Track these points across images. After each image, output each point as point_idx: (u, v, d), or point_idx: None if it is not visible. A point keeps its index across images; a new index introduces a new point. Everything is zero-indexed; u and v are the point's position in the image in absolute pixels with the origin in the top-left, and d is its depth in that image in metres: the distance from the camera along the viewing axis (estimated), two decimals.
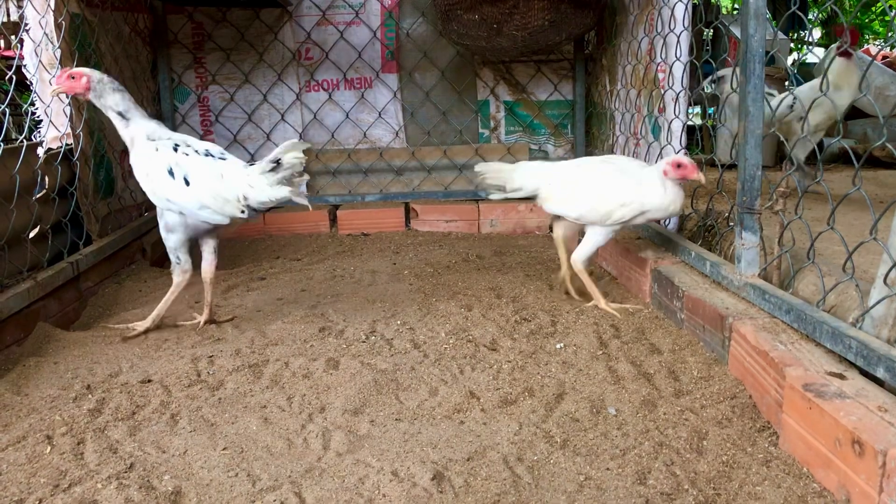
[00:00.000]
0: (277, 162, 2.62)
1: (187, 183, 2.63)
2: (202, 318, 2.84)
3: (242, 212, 2.65)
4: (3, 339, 2.57)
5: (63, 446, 1.92)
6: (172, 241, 2.74)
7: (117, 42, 3.97)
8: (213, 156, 2.73)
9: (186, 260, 2.78)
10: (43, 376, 2.38)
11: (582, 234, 3.00)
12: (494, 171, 3.04)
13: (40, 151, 3.18)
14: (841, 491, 1.59)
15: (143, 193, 4.13)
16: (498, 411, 2.09)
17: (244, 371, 2.39)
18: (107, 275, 3.47)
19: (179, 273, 2.78)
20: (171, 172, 2.64)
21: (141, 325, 2.78)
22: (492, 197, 3.09)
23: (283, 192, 2.61)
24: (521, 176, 3.01)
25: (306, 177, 2.70)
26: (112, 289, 3.37)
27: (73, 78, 2.64)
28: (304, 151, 2.66)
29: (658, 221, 3.18)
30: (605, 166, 2.97)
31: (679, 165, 2.72)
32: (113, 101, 2.68)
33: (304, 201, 2.71)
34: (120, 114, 2.69)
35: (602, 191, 2.86)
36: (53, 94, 2.75)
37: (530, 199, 3.06)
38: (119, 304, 3.16)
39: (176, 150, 2.68)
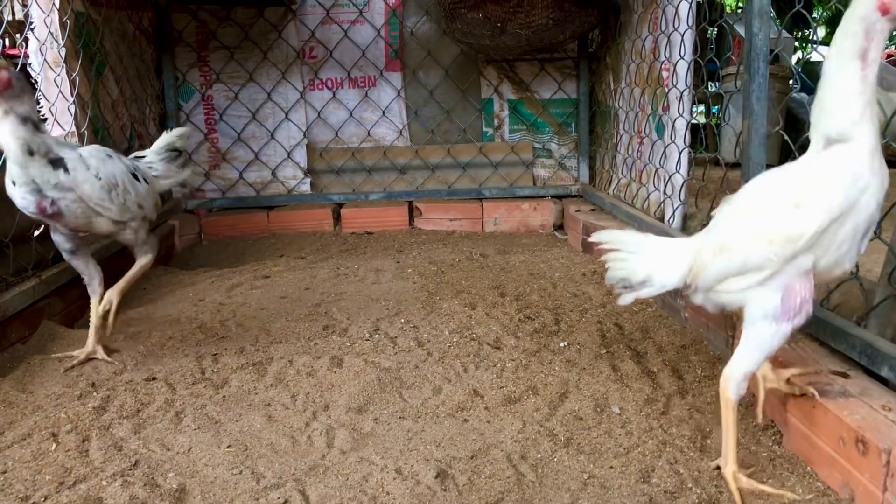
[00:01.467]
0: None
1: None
2: (83, 353, 2.49)
3: None
4: (9, 337, 2.58)
5: (68, 444, 1.93)
6: (142, 236, 2.57)
7: (122, 40, 3.98)
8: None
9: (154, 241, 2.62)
10: (48, 374, 2.38)
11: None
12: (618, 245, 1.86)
13: None
14: (845, 490, 1.59)
15: None
16: (502, 409, 2.09)
17: (248, 369, 2.40)
18: (111, 273, 3.47)
19: (148, 256, 2.60)
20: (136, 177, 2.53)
21: (82, 353, 2.49)
22: (620, 301, 1.85)
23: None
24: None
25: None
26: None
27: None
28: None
29: None
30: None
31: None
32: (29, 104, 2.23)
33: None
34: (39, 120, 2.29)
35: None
36: None
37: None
38: (123, 303, 3.16)
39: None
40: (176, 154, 2.72)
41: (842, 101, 1.52)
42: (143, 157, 2.68)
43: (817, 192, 1.51)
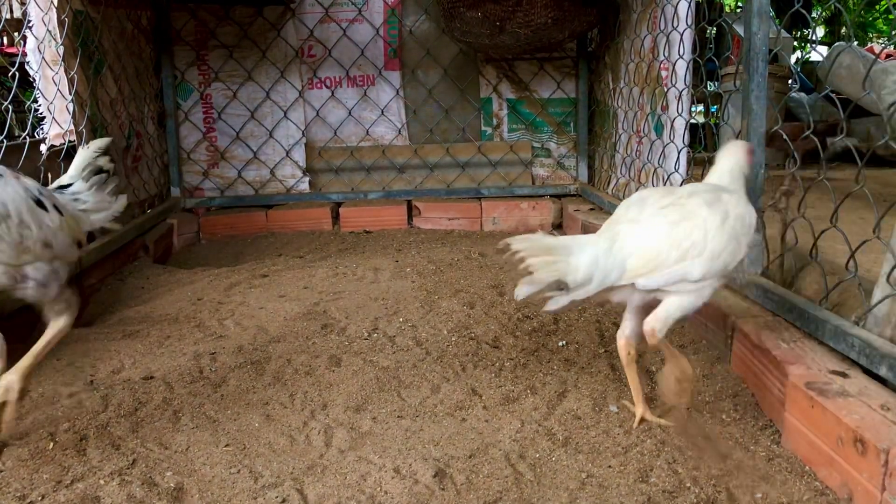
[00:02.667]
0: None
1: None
2: None
3: None
4: (6, 336, 2.57)
5: (66, 443, 1.92)
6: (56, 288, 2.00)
7: (120, 39, 3.97)
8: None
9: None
10: (45, 372, 2.38)
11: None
12: (540, 251, 1.84)
13: (43, 148, 3.18)
14: (843, 489, 1.59)
15: (147, 190, 4.19)
16: (500, 409, 2.09)
17: (246, 368, 2.40)
18: (110, 272, 3.47)
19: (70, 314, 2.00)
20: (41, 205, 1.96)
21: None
22: (548, 307, 1.86)
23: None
24: (588, 259, 1.83)
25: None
26: (115, 286, 3.38)
27: None
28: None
29: None
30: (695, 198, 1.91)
31: (752, 152, 2.12)
32: None
33: None
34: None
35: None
36: None
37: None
38: (121, 301, 3.17)
39: None
40: (104, 177, 2.12)
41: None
42: (69, 185, 2.10)
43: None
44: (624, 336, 1.97)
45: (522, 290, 1.83)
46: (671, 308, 1.86)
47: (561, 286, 1.82)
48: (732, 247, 1.83)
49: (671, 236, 1.82)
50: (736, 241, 1.84)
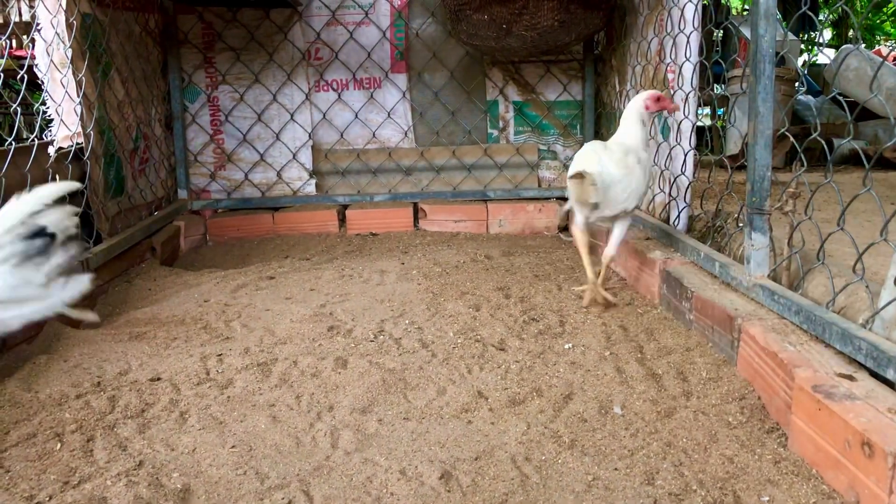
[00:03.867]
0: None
1: None
2: None
3: None
4: (14, 337, 2.59)
5: (73, 443, 1.93)
6: None
7: (128, 42, 3.99)
8: None
9: None
10: (53, 374, 2.39)
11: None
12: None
13: (51, 150, 3.20)
14: (850, 493, 1.59)
15: (154, 193, 4.20)
16: (506, 411, 2.09)
17: (253, 370, 2.40)
18: (117, 273, 3.49)
19: None
20: None
21: None
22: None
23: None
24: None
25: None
26: (122, 287, 3.39)
27: None
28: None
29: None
30: (604, 153, 2.88)
31: (658, 99, 2.90)
32: None
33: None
34: None
35: (634, 169, 2.83)
36: None
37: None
38: (129, 303, 3.18)
39: None
40: (41, 244, 1.42)
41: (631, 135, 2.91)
42: None
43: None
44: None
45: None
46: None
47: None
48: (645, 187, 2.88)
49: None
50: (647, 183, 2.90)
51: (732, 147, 5.68)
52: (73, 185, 1.60)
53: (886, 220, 1.82)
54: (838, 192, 2.06)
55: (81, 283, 1.48)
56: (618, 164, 2.78)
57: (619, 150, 2.85)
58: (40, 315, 1.46)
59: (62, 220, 1.48)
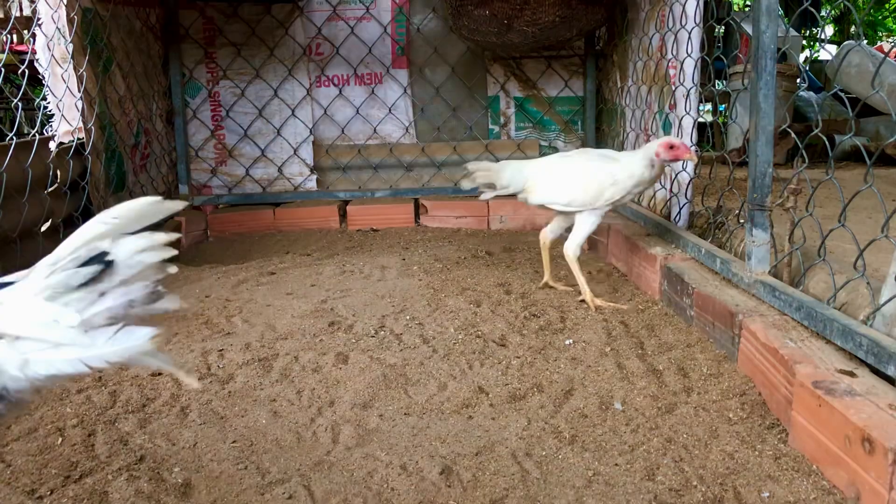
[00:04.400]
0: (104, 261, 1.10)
1: None
2: None
3: None
4: None
5: (74, 438, 1.93)
6: None
7: (129, 37, 3.99)
8: None
9: None
10: None
11: (569, 228, 3.10)
12: (483, 170, 3.12)
13: (52, 145, 3.20)
14: (851, 489, 1.59)
15: (155, 188, 4.20)
16: (506, 406, 2.09)
17: (254, 365, 2.40)
18: None
19: None
20: None
21: None
22: (482, 197, 3.19)
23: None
24: (509, 173, 3.09)
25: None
26: None
27: None
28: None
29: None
30: (586, 155, 3.14)
31: (671, 147, 2.79)
32: None
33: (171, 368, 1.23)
34: None
35: (591, 172, 2.94)
36: None
37: (515, 195, 3.13)
38: None
39: None
40: (94, 272, 1.09)
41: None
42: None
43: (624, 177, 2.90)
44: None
45: (465, 185, 3.19)
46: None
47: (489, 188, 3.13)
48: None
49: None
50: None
51: (734, 143, 5.67)
52: (176, 205, 1.20)
53: (888, 217, 1.82)
54: (839, 189, 2.06)
55: (137, 339, 1.10)
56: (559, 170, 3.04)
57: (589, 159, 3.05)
58: (71, 369, 1.08)
59: (138, 248, 1.11)
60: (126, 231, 1.12)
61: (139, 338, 1.10)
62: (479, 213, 4.58)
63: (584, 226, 2.99)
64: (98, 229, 1.10)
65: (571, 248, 2.98)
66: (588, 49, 4.66)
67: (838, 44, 9.97)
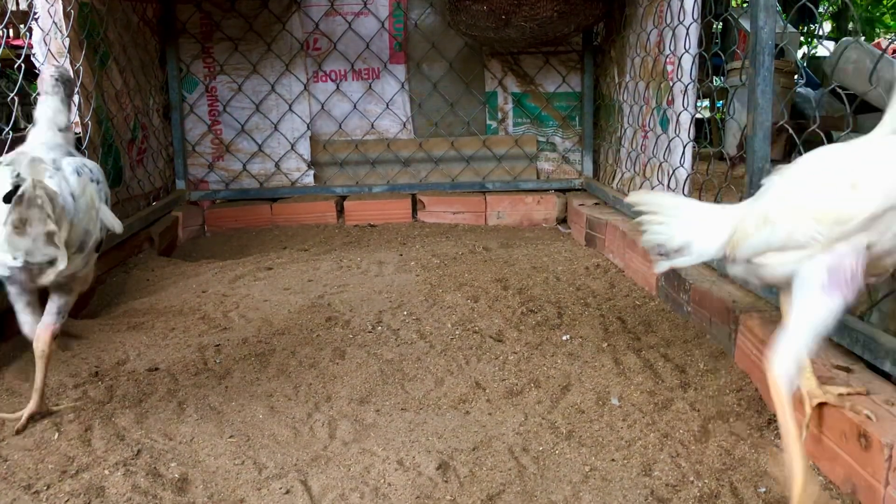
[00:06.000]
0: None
1: None
2: (25, 413, 1.96)
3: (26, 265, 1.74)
4: (12, 327, 2.57)
5: (71, 433, 1.93)
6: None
7: (126, 31, 3.97)
8: None
9: (24, 321, 1.97)
10: (51, 364, 2.38)
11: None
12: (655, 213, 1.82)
13: None
14: (846, 484, 1.59)
15: (152, 183, 4.19)
16: (503, 402, 2.10)
17: (251, 360, 2.40)
18: (114, 263, 3.48)
19: (27, 335, 1.99)
20: None
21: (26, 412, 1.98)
22: (658, 269, 1.96)
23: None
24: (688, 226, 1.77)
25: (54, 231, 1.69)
26: (120, 278, 3.39)
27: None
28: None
29: None
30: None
31: None
32: (38, 105, 2.05)
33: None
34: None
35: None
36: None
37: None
38: (126, 293, 3.18)
39: None
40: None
41: None
42: None
43: (878, 173, 1.41)
44: None
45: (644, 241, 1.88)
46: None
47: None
48: None
49: None
50: None
51: (731, 140, 5.67)
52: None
53: None
54: None
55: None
56: None
57: None
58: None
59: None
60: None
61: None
62: (477, 208, 4.58)
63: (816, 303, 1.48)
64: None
65: (784, 373, 1.48)
66: (586, 45, 4.65)
67: (836, 40, 9.97)
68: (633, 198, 1.89)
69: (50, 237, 1.68)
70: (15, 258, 1.70)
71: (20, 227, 1.62)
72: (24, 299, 1.91)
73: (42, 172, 1.69)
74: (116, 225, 1.95)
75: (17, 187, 1.59)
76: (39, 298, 1.96)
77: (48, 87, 2.02)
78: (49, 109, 2.00)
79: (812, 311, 1.46)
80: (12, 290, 1.87)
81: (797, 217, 1.49)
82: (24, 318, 1.94)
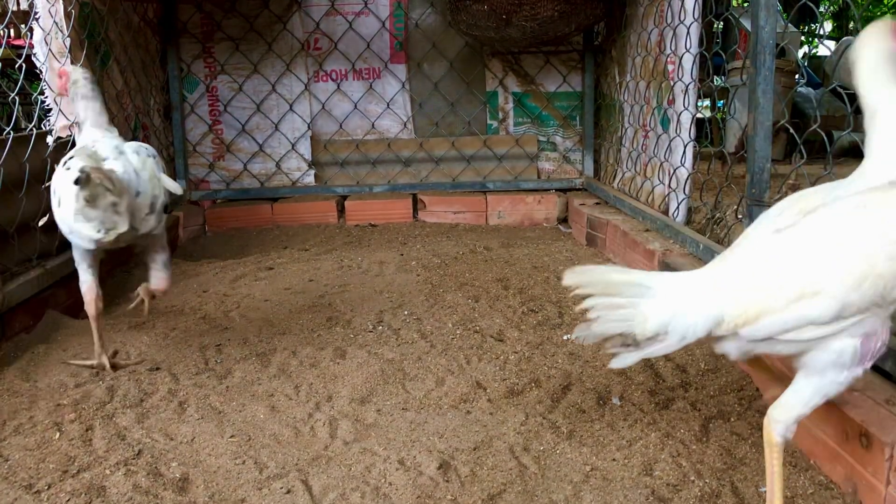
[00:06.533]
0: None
1: (59, 204, 2.20)
2: (94, 362, 2.34)
3: (99, 231, 2.10)
4: (13, 327, 2.59)
5: (72, 433, 1.93)
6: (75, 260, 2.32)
7: (126, 31, 3.97)
8: None
9: (84, 278, 2.32)
10: (52, 363, 2.39)
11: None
12: (604, 304, 1.48)
13: (50, 140, 3.19)
14: (847, 483, 1.59)
15: None
16: (504, 401, 2.10)
17: (252, 360, 2.40)
18: (116, 263, 3.48)
19: (84, 293, 2.34)
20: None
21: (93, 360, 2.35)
22: (615, 364, 1.49)
23: (82, 226, 2.09)
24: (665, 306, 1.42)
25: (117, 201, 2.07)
26: (121, 278, 3.39)
27: (60, 77, 2.58)
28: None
29: None
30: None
31: None
32: (77, 107, 2.43)
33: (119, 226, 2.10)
34: (77, 123, 2.46)
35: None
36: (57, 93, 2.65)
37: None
38: (127, 293, 3.17)
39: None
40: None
41: None
42: None
43: None
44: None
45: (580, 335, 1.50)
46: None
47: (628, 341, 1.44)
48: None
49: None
50: None
51: (732, 139, 5.67)
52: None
53: None
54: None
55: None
56: None
57: None
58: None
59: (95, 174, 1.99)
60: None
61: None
62: (478, 208, 4.58)
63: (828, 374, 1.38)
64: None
65: (782, 422, 1.42)
66: (587, 44, 4.65)
67: (837, 40, 9.96)
68: (570, 279, 1.50)
69: (114, 206, 2.06)
70: (98, 231, 2.09)
71: (91, 201, 2.03)
72: (89, 262, 2.30)
73: (99, 160, 2.14)
74: (176, 187, 2.31)
75: (84, 174, 1.98)
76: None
77: (87, 91, 2.41)
78: (92, 112, 2.40)
79: (834, 382, 1.37)
80: (86, 256, 2.28)
81: (859, 284, 1.29)
82: (86, 277, 2.31)
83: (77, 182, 1.99)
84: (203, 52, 4.61)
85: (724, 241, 2.84)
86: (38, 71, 3.31)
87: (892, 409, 1.58)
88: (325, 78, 4.71)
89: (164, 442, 1.90)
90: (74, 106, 2.47)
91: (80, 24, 3.37)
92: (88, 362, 2.35)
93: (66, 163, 2.20)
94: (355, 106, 4.72)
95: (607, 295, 1.44)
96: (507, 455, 1.80)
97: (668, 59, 3.34)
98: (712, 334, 1.39)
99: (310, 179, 4.76)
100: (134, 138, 3.94)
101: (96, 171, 2.01)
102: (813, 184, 2.19)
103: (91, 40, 3.47)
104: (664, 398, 2.08)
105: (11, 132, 2.89)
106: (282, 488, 1.68)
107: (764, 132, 2.36)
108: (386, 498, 1.65)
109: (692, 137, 3.14)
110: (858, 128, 1.57)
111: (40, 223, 2.97)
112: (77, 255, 2.30)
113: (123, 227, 2.09)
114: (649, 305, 1.40)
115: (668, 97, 3.35)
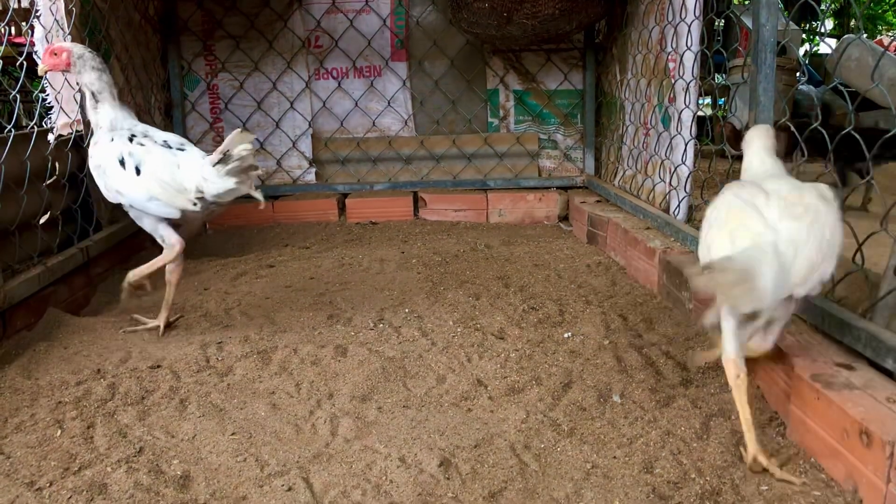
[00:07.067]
0: (225, 153, 2.38)
1: (138, 173, 2.48)
2: (160, 322, 2.67)
3: (195, 203, 2.45)
4: (14, 324, 2.59)
5: (73, 430, 1.94)
6: (147, 226, 2.62)
7: (127, 29, 3.97)
8: (170, 146, 2.55)
9: (170, 234, 2.59)
10: (53, 361, 2.39)
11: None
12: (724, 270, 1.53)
13: (51, 138, 3.19)
14: (848, 481, 1.59)
15: None
16: (505, 399, 2.10)
17: (253, 357, 2.41)
18: (116, 261, 3.49)
19: (168, 248, 2.60)
20: (122, 163, 2.51)
21: (156, 321, 2.68)
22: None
23: (229, 183, 2.40)
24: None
25: (258, 171, 2.48)
26: (122, 275, 3.37)
27: (55, 55, 2.59)
28: (252, 142, 2.41)
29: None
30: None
31: None
32: (89, 78, 2.57)
33: (258, 195, 2.47)
34: (92, 94, 2.60)
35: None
36: (42, 72, 2.70)
37: None
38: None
39: (132, 140, 2.54)
40: None
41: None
42: None
43: None
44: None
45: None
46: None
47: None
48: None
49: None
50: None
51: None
52: (250, 135, 2.44)
53: (887, 210, 1.82)
54: (839, 183, 2.05)
55: (256, 174, 2.48)
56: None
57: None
58: (231, 187, 2.44)
59: (240, 150, 2.39)
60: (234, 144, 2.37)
61: (235, 181, 2.43)
62: (478, 206, 4.58)
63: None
64: (224, 144, 2.39)
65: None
66: (587, 42, 4.65)
67: (838, 37, 9.95)
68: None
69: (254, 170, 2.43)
70: (195, 204, 2.44)
71: (247, 170, 2.40)
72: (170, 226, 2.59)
73: (248, 137, 2.40)
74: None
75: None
76: None
77: (98, 62, 2.59)
78: (108, 85, 2.61)
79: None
80: (165, 222, 2.57)
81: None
82: (171, 233, 2.58)
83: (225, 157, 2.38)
84: (204, 49, 4.61)
85: None
86: (38, 70, 3.31)
87: (893, 407, 1.58)
88: (325, 76, 4.71)
89: (166, 439, 1.91)
90: (81, 80, 2.60)
91: (81, 22, 3.37)
92: (151, 324, 2.68)
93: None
94: (356, 104, 4.72)
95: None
96: (508, 453, 1.81)
97: (669, 57, 3.34)
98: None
99: (310, 177, 4.76)
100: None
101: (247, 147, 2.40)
102: (814, 181, 2.19)
103: (92, 38, 3.47)
104: (665, 396, 2.08)
105: (13, 130, 2.89)
106: (283, 486, 1.69)
107: None
108: (387, 495, 1.65)
109: (693, 135, 3.14)
110: (860, 125, 1.58)
111: (42, 220, 2.98)
112: (150, 224, 2.59)
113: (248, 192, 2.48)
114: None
115: (669, 95, 3.35)
